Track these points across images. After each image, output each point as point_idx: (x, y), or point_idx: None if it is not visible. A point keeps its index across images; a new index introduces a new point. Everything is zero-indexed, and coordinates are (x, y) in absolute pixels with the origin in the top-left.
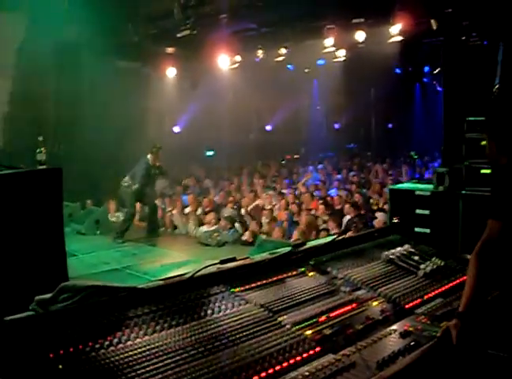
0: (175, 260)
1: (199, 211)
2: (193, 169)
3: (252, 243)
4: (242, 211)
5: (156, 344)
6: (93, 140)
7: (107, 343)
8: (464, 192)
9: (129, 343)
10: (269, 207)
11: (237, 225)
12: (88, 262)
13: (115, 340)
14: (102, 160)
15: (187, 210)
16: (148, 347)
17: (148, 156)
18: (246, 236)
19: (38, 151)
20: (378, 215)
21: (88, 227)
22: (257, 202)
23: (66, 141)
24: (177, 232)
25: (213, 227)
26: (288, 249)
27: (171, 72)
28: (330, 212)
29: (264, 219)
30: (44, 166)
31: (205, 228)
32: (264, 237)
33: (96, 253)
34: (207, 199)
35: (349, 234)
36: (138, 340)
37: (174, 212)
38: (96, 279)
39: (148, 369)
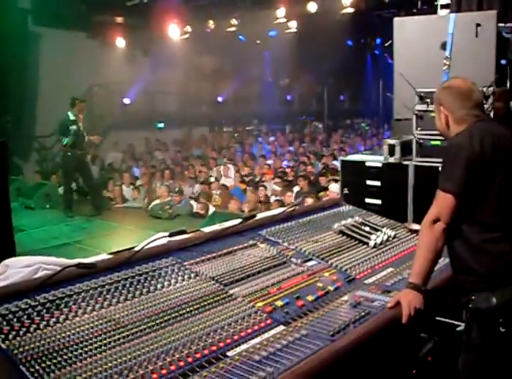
0: (125, 234)
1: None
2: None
3: (205, 215)
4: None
5: (104, 320)
6: (40, 112)
7: (53, 320)
8: (414, 163)
9: (76, 319)
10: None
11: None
12: (37, 237)
13: (62, 317)
14: (49, 134)
15: (138, 183)
16: (96, 323)
17: (69, 113)
18: (199, 208)
19: None
20: (331, 186)
21: (37, 201)
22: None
23: (13, 115)
24: (127, 205)
25: (166, 200)
26: (238, 220)
27: (120, 42)
28: (283, 183)
29: (215, 192)
30: None
31: (156, 201)
32: (214, 209)
33: (46, 227)
34: (167, 172)
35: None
36: (86, 316)
37: (124, 185)
38: (45, 254)
39: (96, 345)
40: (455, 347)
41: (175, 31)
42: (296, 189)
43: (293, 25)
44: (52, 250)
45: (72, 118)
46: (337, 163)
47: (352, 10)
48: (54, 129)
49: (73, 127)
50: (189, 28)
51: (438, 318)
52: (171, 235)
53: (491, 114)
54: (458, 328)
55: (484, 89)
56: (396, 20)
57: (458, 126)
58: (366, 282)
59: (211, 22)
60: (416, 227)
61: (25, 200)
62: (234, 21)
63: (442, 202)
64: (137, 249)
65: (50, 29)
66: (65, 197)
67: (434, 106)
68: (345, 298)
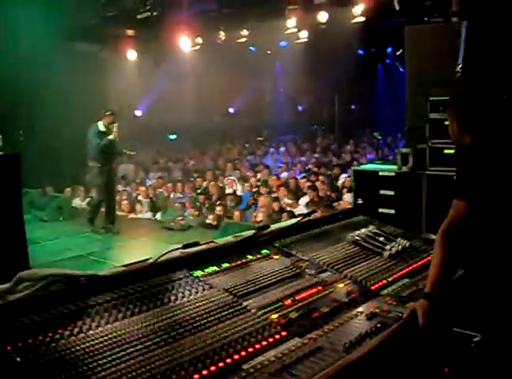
0: (138, 246)
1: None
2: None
3: (217, 226)
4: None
5: (119, 333)
6: (53, 125)
7: (67, 333)
8: (427, 172)
9: (90, 332)
10: (231, 190)
11: (204, 210)
12: (51, 249)
13: (76, 330)
14: (62, 146)
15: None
16: (110, 336)
17: (99, 123)
18: (211, 219)
19: None
20: (346, 196)
21: (50, 214)
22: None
23: (26, 128)
24: (139, 217)
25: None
26: (252, 232)
27: (131, 54)
28: (294, 194)
29: (229, 203)
30: (1, 153)
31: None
32: (227, 220)
33: (59, 239)
34: (180, 184)
35: (314, 216)
36: (100, 329)
37: (139, 196)
38: (59, 266)
39: (110, 358)
40: (472, 357)
41: (185, 42)
42: (305, 200)
43: (304, 35)
44: (66, 262)
45: (101, 129)
46: (345, 176)
47: (362, 19)
48: (67, 141)
49: (103, 139)
50: (199, 40)
51: (455, 329)
52: (184, 247)
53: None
54: (475, 339)
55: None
56: (407, 28)
57: (471, 135)
58: (381, 293)
59: (221, 33)
60: (430, 236)
61: (38, 213)
62: (244, 32)
63: (456, 211)
64: (150, 261)
65: (62, 42)
66: (91, 210)
67: (447, 115)
68: (360, 309)
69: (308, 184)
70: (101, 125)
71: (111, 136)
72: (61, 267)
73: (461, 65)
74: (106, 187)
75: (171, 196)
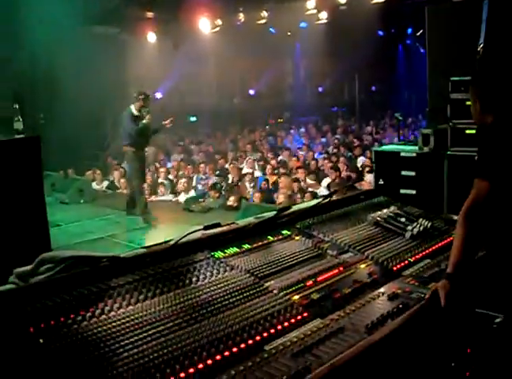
0: (159, 228)
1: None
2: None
3: (237, 208)
4: (230, 177)
5: (140, 314)
6: (72, 108)
7: (89, 314)
8: (449, 152)
9: (112, 313)
10: (250, 170)
11: (223, 192)
12: (72, 232)
13: (98, 311)
14: (83, 129)
15: (171, 176)
16: (131, 318)
17: (132, 107)
18: (232, 201)
19: (16, 119)
20: (367, 177)
21: (71, 196)
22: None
23: (46, 110)
24: (161, 199)
25: (191, 193)
26: (274, 213)
27: (151, 37)
28: (314, 175)
29: (248, 184)
30: (22, 136)
31: (190, 194)
32: (246, 202)
33: (80, 222)
34: (202, 166)
35: (335, 196)
36: (121, 311)
37: (160, 178)
38: (79, 248)
39: (132, 340)
40: (495, 338)
41: (205, 24)
42: (327, 181)
43: (324, 16)
44: (87, 245)
45: (135, 113)
46: (363, 159)
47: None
48: (87, 123)
49: (138, 124)
50: (219, 21)
51: (477, 310)
52: (205, 228)
53: None
54: (497, 320)
55: None
56: (428, 8)
57: (493, 115)
58: (403, 274)
59: (241, 15)
60: (452, 217)
61: (60, 195)
62: (264, 13)
63: (478, 191)
64: (172, 242)
65: (81, 25)
66: (138, 197)
67: (469, 95)
68: (382, 290)
69: (329, 165)
70: (134, 110)
71: (145, 121)
72: (82, 249)
73: (482, 45)
74: (140, 171)
75: (194, 178)
